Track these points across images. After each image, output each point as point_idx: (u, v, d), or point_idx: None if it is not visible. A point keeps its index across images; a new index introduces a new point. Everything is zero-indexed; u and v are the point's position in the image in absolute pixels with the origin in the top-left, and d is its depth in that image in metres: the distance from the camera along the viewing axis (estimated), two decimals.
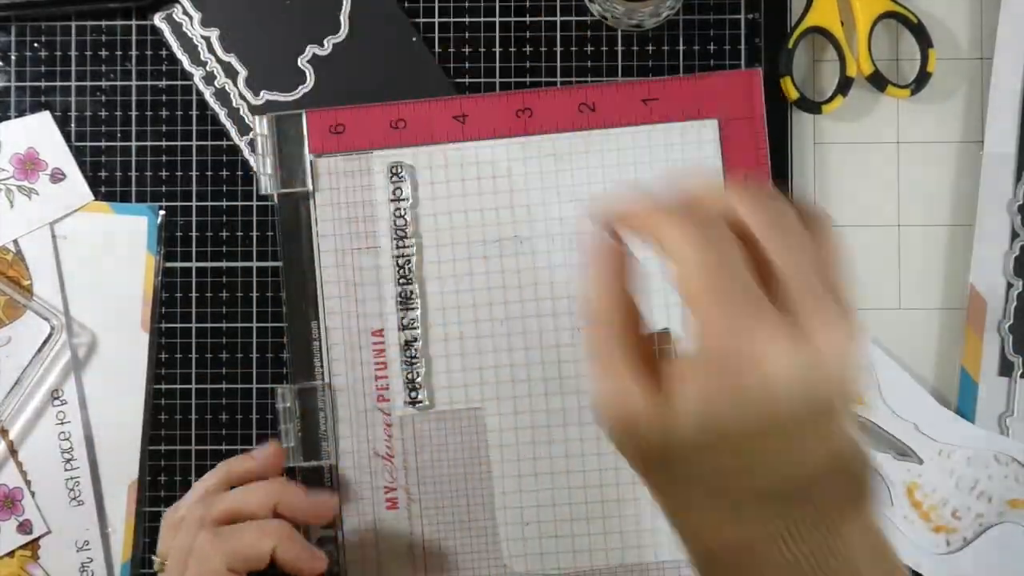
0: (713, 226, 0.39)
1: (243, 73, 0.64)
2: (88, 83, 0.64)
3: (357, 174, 0.62)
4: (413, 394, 0.61)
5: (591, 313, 0.41)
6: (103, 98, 0.64)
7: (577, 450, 0.61)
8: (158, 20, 0.64)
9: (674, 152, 0.61)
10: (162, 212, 0.63)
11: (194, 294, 0.63)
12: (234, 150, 0.63)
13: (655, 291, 0.60)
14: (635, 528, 0.60)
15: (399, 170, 0.62)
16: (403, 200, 0.61)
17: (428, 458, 0.61)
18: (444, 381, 0.61)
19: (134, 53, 0.64)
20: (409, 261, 0.61)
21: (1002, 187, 0.62)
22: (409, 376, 0.61)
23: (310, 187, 0.62)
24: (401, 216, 0.61)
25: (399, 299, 0.61)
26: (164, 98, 0.64)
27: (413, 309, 0.61)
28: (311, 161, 0.62)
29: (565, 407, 0.61)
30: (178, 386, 0.63)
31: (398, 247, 0.61)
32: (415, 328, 0.61)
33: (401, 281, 0.61)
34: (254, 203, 0.63)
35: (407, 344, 0.61)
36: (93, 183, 0.63)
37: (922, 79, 0.63)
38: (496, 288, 0.61)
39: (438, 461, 0.61)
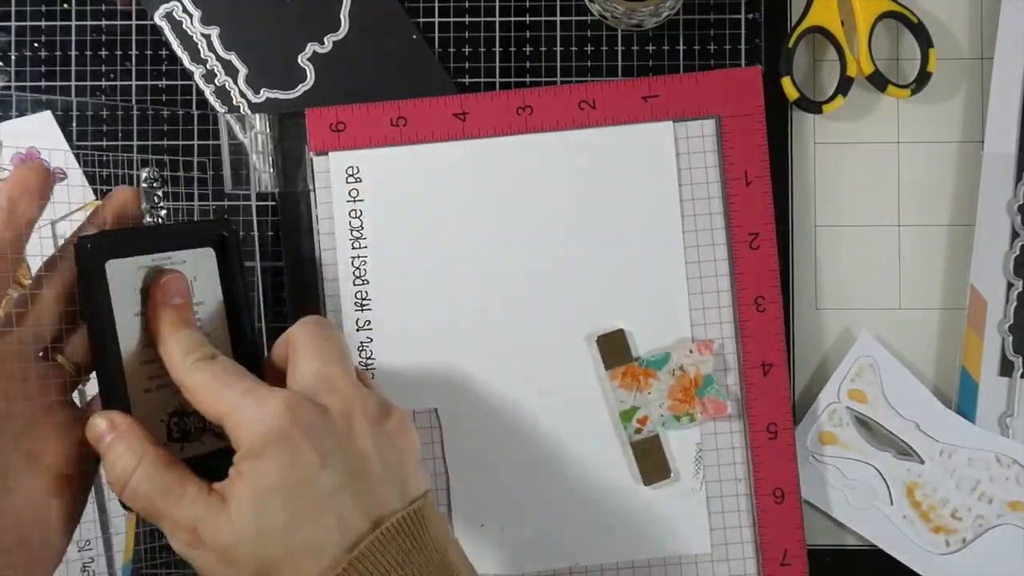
0: None
1: (243, 71, 0.64)
2: (88, 83, 0.64)
3: None
4: None
5: None
6: (103, 98, 0.64)
7: (534, 450, 0.61)
8: (158, 18, 0.64)
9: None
10: (162, 212, 0.63)
11: None
12: (236, 148, 0.63)
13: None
14: (590, 526, 0.60)
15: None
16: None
17: None
18: (398, 382, 0.61)
19: (134, 52, 0.64)
20: (365, 262, 0.61)
21: (1002, 187, 0.62)
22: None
23: (311, 185, 0.62)
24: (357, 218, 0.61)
25: (355, 300, 0.61)
26: (164, 97, 0.64)
27: (368, 310, 0.61)
28: (312, 159, 0.62)
29: (521, 407, 0.61)
30: None
31: (354, 248, 0.61)
32: (369, 329, 0.61)
33: (357, 282, 0.61)
34: (253, 203, 0.63)
35: (362, 345, 0.61)
36: (93, 183, 0.63)
37: (922, 79, 0.63)
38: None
39: None
